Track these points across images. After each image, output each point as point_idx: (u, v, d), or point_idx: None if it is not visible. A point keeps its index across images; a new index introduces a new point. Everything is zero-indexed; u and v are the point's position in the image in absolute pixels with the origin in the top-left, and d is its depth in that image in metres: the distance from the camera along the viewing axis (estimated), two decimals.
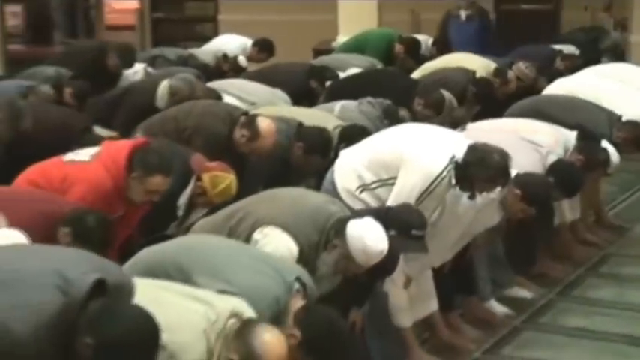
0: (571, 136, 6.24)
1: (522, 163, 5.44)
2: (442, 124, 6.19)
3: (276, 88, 7.64)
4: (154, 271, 3.77)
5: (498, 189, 5.14)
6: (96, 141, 5.50)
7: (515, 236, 5.96)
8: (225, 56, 9.66)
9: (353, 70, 8.50)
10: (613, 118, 6.73)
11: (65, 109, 6.89)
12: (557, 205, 6.38)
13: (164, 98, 7.07)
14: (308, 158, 6.01)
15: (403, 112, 7.03)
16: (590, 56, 10.09)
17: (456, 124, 6.64)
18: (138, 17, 15.83)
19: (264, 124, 5.92)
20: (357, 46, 9.98)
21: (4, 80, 8.18)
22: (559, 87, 7.64)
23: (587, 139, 6.26)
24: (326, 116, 6.56)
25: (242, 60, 9.70)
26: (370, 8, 12.13)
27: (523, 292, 6.13)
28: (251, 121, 5.96)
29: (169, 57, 9.37)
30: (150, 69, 8.73)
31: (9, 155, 5.81)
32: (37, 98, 6.94)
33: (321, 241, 4.33)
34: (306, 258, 4.27)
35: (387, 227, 4.36)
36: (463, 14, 12.46)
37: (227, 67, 9.56)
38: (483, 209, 5.25)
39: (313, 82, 8.19)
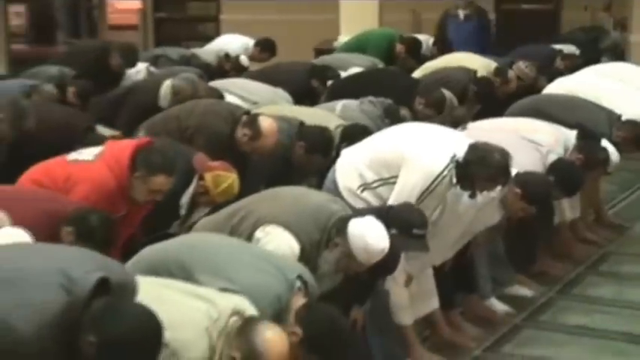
0: (571, 135, 6.25)
1: (523, 162, 5.46)
2: (443, 123, 6.19)
3: (277, 88, 7.65)
4: (157, 270, 3.78)
5: (499, 188, 5.15)
6: (99, 140, 5.53)
7: (515, 235, 5.97)
8: (227, 56, 9.69)
9: (354, 70, 8.51)
10: (613, 118, 6.75)
11: (68, 109, 6.91)
12: (557, 203, 6.39)
13: (167, 98, 7.09)
14: (309, 157, 6.02)
15: (404, 112, 7.04)
16: (590, 56, 10.11)
17: (456, 123, 6.65)
18: (140, 17, 15.85)
19: (265, 123, 5.93)
20: (358, 46, 9.99)
21: (7, 80, 8.17)
22: (559, 86, 7.65)
23: (587, 138, 6.26)
24: (327, 115, 6.58)
25: (244, 59, 9.73)
26: (371, 8, 12.13)
27: (523, 291, 6.14)
28: (253, 120, 5.97)
29: (172, 56, 9.39)
30: (152, 68, 8.74)
31: (12, 154, 5.84)
32: (40, 97, 6.95)
33: (322, 239, 4.34)
34: (308, 256, 4.28)
35: (388, 226, 4.38)
36: (461, 14, 12.46)
37: (229, 67, 9.59)
38: (484, 208, 5.27)
39: (315, 81, 8.21)
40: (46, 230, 4.06)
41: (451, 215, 5.10)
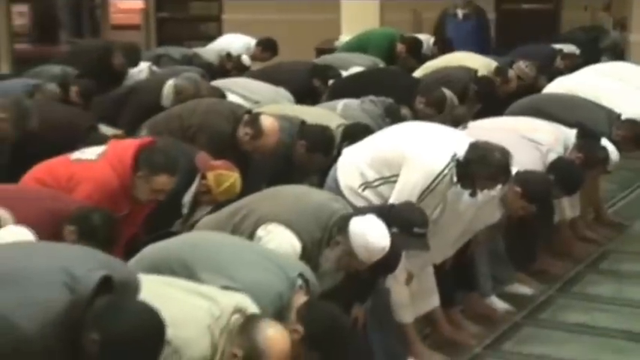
0: (571, 134, 6.26)
1: (523, 161, 5.47)
2: (443, 122, 6.19)
3: (279, 87, 7.66)
4: (159, 268, 3.80)
5: (499, 186, 5.17)
6: (102, 139, 5.53)
7: (515, 233, 5.99)
8: (229, 55, 9.69)
9: (355, 69, 8.52)
10: (612, 117, 6.76)
11: (71, 108, 6.92)
12: (557, 202, 6.40)
13: (169, 97, 7.11)
14: (311, 156, 6.03)
15: (405, 111, 7.04)
16: (590, 55, 10.09)
17: (457, 122, 6.64)
18: (143, 17, 15.84)
19: (267, 122, 5.94)
20: (359, 46, 9.99)
21: (10, 79, 8.17)
22: (559, 86, 7.66)
23: (587, 137, 6.27)
24: (329, 114, 6.58)
25: (246, 59, 9.73)
26: (372, 8, 12.12)
27: (523, 289, 6.15)
28: (254, 119, 5.98)
29: (174, 56, 9.40)
30: (155, 68, 8.75)
31: (15, 154, 5.86)
32: (43, 97, 6.96)
33: (323, 238, 4.35)
34: (309, 255, 4.29)
35: (389, 224, 4.39)
36: (460, 13, 12.45)
37: (231, 66, 9.59)
38: (484, 206, 5.29)
39: (316, 80, 8.20)
40: (49, 229, 4.07)
41: (452, 214, 5.11)
